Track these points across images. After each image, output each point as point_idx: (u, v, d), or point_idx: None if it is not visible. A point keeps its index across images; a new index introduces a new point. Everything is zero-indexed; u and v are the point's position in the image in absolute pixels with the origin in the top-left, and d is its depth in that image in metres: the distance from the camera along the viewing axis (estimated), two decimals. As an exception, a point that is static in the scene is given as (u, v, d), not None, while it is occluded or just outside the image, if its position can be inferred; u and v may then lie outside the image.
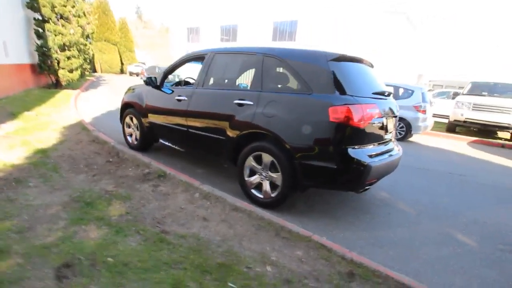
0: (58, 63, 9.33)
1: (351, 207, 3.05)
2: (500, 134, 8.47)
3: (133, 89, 4.47)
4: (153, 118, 3.92)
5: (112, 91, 12.85)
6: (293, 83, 2.68)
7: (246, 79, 3.32)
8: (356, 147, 2.39)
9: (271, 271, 1.81)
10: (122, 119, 4.54)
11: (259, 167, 2.79)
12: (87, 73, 12.65)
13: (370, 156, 2.45)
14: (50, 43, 8.82)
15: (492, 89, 8.07)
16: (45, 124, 5.23)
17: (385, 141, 2.78)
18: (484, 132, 8.24)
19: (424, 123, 6.59)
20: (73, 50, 9.58)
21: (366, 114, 2.36)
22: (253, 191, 2.87)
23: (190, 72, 4.52)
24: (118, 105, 9.15)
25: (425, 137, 7.57)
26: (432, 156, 5.81)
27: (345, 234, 2.46)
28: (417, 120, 6.48)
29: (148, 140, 4.26)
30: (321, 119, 2.36)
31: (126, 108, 4.43)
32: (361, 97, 2.43)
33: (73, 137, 4.60)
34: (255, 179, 2.84)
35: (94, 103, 8.81)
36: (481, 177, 4.57)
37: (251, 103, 2.77)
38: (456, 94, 9.39)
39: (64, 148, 4.04)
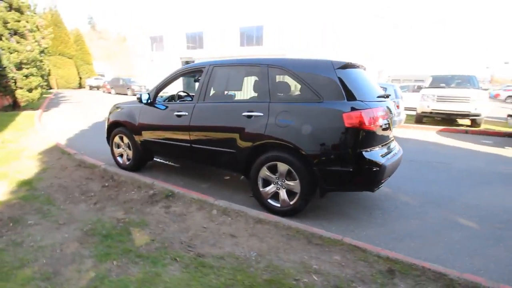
0: (15, 82, 8.52)
1: (360, 205, 3.19)
2: (460, 121, 9.39)
3: (120, 107, 4.24)
4: (148, 136, 3.75)
5: (77, 108, 12.03)
6: (302, 92, 2.75)
7: (247, 90, 3.32)
8: (369, 149, 2.52)
9: (318, 279, 1.84)
10: (109, 139, 4.29)
11: (274, 176, 2.82)
12: (43, 90, 11.70)
13: (382, 156, 2.60)
14: (5, 62, 8.03)
15: (449, 81, 8.94)
16: (17, 152, 4.76)
17: (390, 140, 2.96)
18: (446, 120, 9.07)
19: (398, 117, 7.08)
20: (31, 67, 8.82)
21: (376, 117, 2.50)
22: (269, 201, 2.89)
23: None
24: (88, 123, 8.70)
25: (399, 130, 8.13)
26: (410, 147, 6.26)
27: (367, 232, 2.58)
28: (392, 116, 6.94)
29: (143, 159, 4.08)
30: (336, 125, 2.46)
31: (114, 127, 4.19)
32: (369, 101, 2.57)
33: (56, 164, 4.24)
34: (270, 188, 2.86)
35: (61, 123, 8.18)
36: (457, 163, 5.03)
37: (261, 114, 2.79)
38: (420, 88, 10.22)
39: (49, 176, 3.71)
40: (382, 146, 2.75)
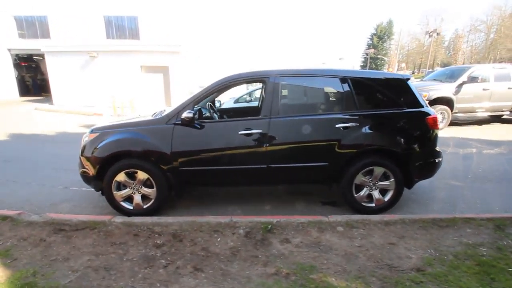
0: None
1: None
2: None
3: (117, 131, 3.01)
4: (193, 164, 2.95)
5: None
6: (385, 102, 3.06)
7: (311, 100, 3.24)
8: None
9: (485, 249, 2.33)
10: (101, 180, 2.97)
11: (367, 180, 3.05)
12: None
13: None
14: None
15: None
16: None
17: None
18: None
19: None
20: None
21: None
22: (363, 203, 3.10)
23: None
24: None
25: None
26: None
27: (426, 208, 3.33)
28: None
29: (170, 196, 3.14)
30: (423, 128, 3.00)
31: (110, 162, 2.94)
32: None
33: (14, 241, 2.50)
34: (365, 192, 3.07)
35: None
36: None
37: (357, 124, 2.91)
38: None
39: (47, 264, 2.23)
40: None
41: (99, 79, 14.67)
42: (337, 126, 2.91)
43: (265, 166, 2.95)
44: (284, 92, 3.02)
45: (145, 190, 3.01)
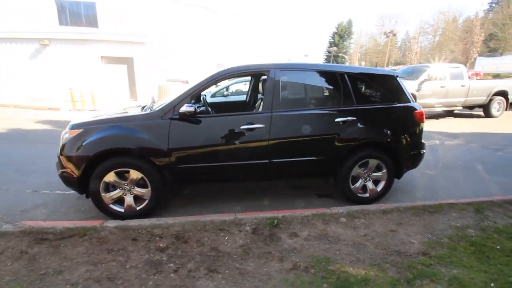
0: None
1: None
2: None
3: (104, 127, 2.73)
4: (192, 161, 2.80)
5: None
6: (378, 96, 3.19)
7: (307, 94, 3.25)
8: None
9: (472, 230, 2.58)
10: (93, 180, 2.69)
11: (362, 172, 3.17)
12: None
13: None
14: None
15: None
16: None
17: None
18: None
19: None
20: None
21: (423, 114, 3.44)
22: (359, 194, 3.22)
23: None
24: None
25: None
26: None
27: (411, 196, 3.57)
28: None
29: (165, 195, 2.96)
30: (411, 122, 3.19)
31: (99, 160, 2.67)
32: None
33: (-13, 254, 2.15)
34: (360, 183, 3.19)
35: None
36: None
37: (354, 118, 3.00)
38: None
39: (30, 280, 1.95)
40: None
41: (52, 70, 13.25)
42: (336, 120, 2.96)
43: (267, 161, 2.91)
44: (285, 87, 2.99)
45: (138, 191, 2.78)
